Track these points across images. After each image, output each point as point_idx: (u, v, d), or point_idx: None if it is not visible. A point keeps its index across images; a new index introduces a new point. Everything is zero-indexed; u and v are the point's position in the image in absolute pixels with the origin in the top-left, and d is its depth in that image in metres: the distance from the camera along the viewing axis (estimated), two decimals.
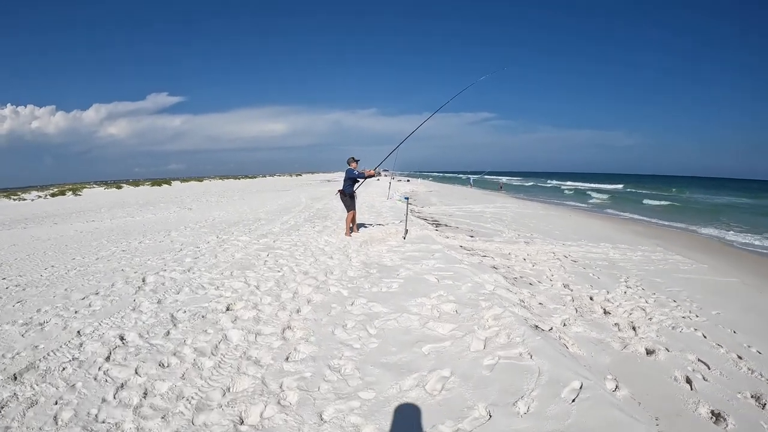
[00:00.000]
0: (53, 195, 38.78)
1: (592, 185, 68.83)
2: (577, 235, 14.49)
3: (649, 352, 5.27)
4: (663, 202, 35.63)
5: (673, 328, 6.04)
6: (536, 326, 5.58)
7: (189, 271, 8.08)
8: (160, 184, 55.39)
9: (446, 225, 16.00)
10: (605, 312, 6.59)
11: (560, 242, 12.63)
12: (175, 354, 4.69)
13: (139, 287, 7.08)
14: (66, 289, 7.07)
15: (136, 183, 58.17)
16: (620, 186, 69.75)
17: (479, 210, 22.69)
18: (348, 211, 11.94)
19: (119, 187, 49.24)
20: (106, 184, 58.40)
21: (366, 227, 13.29)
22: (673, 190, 59.44)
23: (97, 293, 6.80)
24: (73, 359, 4.56)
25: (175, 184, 59.05)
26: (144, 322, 5.55)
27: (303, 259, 9.04)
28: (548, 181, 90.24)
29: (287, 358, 4.64)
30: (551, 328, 5.72)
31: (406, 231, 11.69)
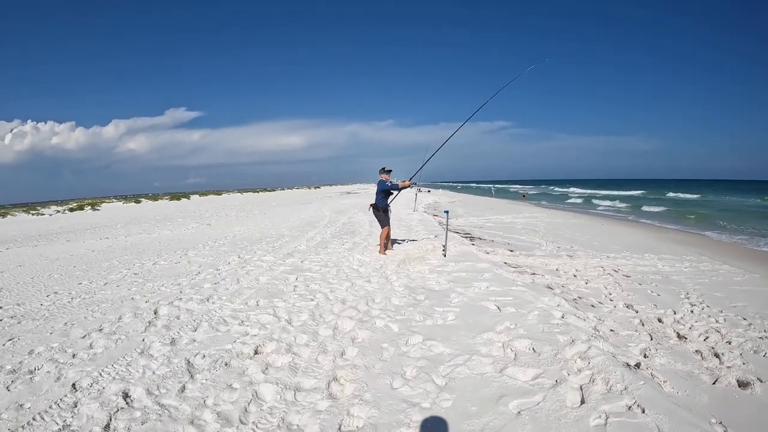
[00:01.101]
0: (71, 210, 38.41)
1: (613, 192, 67.78)
2: (618, 246, 13.70)
3: (741, 384, 4.56)
4: (689, 209, 34.33)
5: (755, 352, 5.28)
6: (628, 364, 4.55)
7: (208, 300, 7.02)
8: (178, 198, 55.03)
9: (480, 238, 14.94)
10: (679, 336, 5.86)
11: (604, 254, 11.78)
12: (192, 423, 3.59)
13: (149, 322, 6.03)
14: (66, 323, 6.11)
15: (154, 197, 57.87)
16: (641, 191, 69.15)
17: (509, 221, 21.66)
18: (382, 227, 10.88)
19: (138, 202, 48.93)
20: (125, 198, 58.24)
21: (399, 243, 12.20)
22: (697, 195, 57.29)
23: (100, 329, 5.80)
24: (63, 427, 3.51)
25: (194, 198, 58.71)
26: (154, 372, 4.48)
27: (337, 284, 7.95)
28: (570, 189, 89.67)
29: (340, 428, 3.53)
30: (638, 364, 4.76)
31: (445, 247, 10.51)
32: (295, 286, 7.81)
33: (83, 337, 5.52)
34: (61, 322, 6.15)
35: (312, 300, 6.92)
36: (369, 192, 65.92)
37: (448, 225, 10.94)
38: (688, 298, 7.46)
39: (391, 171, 10.81)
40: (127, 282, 8.53)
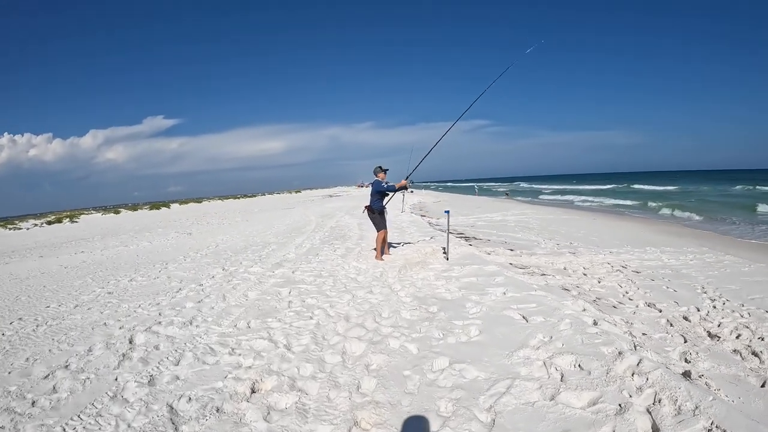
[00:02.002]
0: (49, 223, 37.13)
1: (593, 187, 68.92)
2: (617, 241, 13.43)
3: None
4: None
5: None
6: (685, 375, 4.06)
7: (191, 323, 6.12)
8: (158, 208, 53.74)
9: (475, 237, 14.28)
10: (711, 335, 5.48)
11: (606, 250, 11.39)
12: None
13: (124, 354, 5.12)
14: (28, 359, 5.19)
15: (134, 207, 56.46)
16: (615, 185, 70.72)
17: (500, 219, 21.14)
18: (378, 231, 10.08)
19: (117, 212, 47.65)
20: (104, 209, 56.80)
21: (395, 247, 11.39)
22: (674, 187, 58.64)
23: (66, 366, 4.89)
24: None
25: (174, 206, 57.42)
26: (129, 425, 3.59)
27: (336, 297, 7.10)
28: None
29: None
30: (688, 372, 4.22)
31: (446, 250, 9.79)
32: (290, 301, 6.94)
33: (46, 377, 4.61)
34: (22, 357, 5.24)
35: (311, 318, 6.06)
36: (351, 195, 65.12)
37: (449, 226, 10.08)
38: (705, 293, 7.10)
39: (387, 170, 10.01)
40: (100, 303, 7.61)
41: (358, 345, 5.00)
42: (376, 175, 9.97)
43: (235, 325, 5.92)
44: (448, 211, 10.21)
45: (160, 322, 6.20)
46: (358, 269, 9.11)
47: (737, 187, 48.74)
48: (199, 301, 7.21)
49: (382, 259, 9.89)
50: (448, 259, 9.54)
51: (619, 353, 4.27)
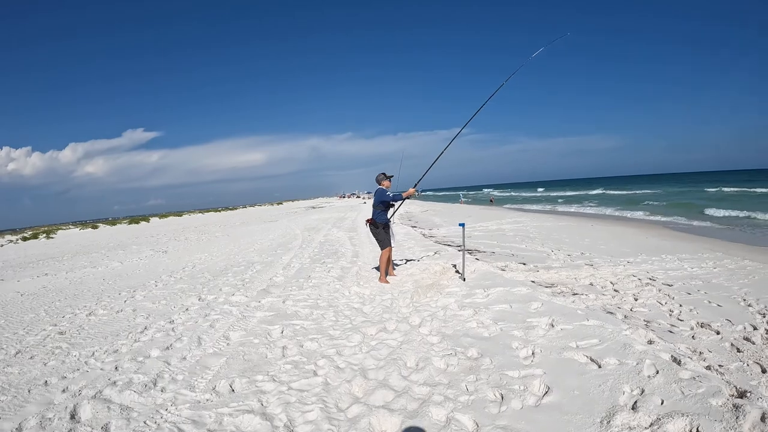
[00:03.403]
0: (25, 239, 35.00)
1: (576, 192, 71.25)
2: (628, 249, 12.62)
3: None
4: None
5: None
6: None
7: (155, 384, 4.53)
8: (137, 222, 51.78)
9: (477, 250, 13.02)
10: None
11: (623, 260, 10.63)
12: None
13: None
14: None
15: (112, 222, 54.30)
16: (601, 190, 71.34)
17: (495, 228, 19.93)
18: (381, 249, 8.60)
19: (95, 227, 45.64)
20: (83, 224, 54.68)
21: (398, 265, 9.93)
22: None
23: None
24: None
25: (154, 220, 55.52)
26: None
27: (343, 337, 5.60)
28: (538, 190, 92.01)
29: None
30: None
31: (462, 269, 8.42)
32: (284, 346, 5.38)
33: None
34: None
35: (315, 374, 4.53)
36: (334, 206, 63.63)
37: (465, 243, 8.61)
38: (750, 306, 6.56)
39: (392, 177, 8.56)
40: (46, 349, 5.98)
41: (390, 420, 3.54)
42: (380, 183, 8.53)
43: (214, 388, 4.35)
44: (463, 224, 8.70)
45: (115, 383, 4.61)
46: (361, 296, 7.61)
47: (715, 189, 49.33)
48: (167, 348, 5.62)
49: (387, 282, 8.43)
50: (464, 279, 8.11)
51: (735, 407, 3.36)
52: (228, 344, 5.61)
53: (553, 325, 5.43)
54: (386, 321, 6.08)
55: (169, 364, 5.03)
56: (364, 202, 67.28)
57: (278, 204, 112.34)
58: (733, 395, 3.59)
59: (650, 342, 4.80)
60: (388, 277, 8.63)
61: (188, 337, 5.98)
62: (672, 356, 4.30)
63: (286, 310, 6.97)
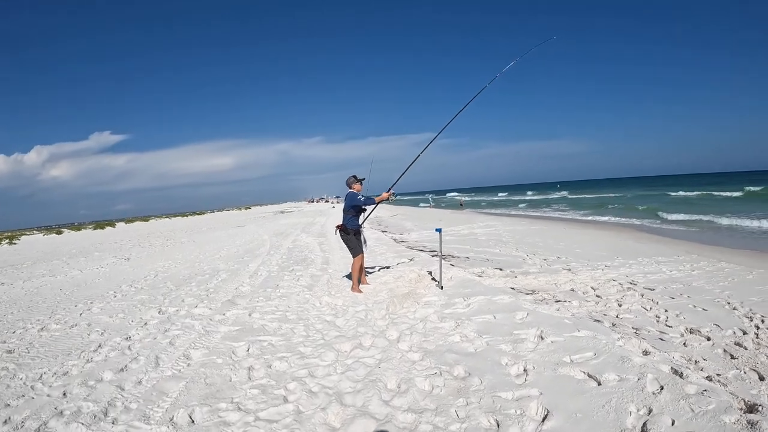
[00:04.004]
0: None
1: (545, 196, 71.80)
2: (605, 252, 12.52)
3: None
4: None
5: None
6: None
7: (106, 414, 3.97)
8: (103, 227, 50.17)
9: (451, 255, 12.61)
10: None
11: (600, 264, 10.55)
12: None
13: None
14: None
15: (77, 227, 52.54)
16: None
17: (468, 232, 19.63)
18: (354, 256, 8.10)
19: (59, 233, 44.12)
20: (48, 229, 52.82)
21: (370, 272, 9.42)
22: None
23: None
24: None
25: (120, 225, 54.00)
26: None
27: (315, 355, 5.08)
28: (498, 194, 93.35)
29: None
30: None
31: (440, 277, 7.96)
32: (250, 367, 4.84)
33: None
34: None
35: (286, 401, 4.02)
36: (303, 210, 62.86)
37: (442, 249, 8.16)
38: (735, 309, 6.49)
39: (363, 180, 8.08)
40: None
41: None
42: (350, 187, 8.04)
43: (171, 419, 3.81)
44: (439, 230, 8.25)
45: (61, 413, 4.04)
46: (333, 307, 7.10)
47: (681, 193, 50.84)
48: (121, 369, 5.03)
49: (360, 291, 7.94)
50: (442, 288, 7.68)
51: (749, 423, 3.19)
52: (188, 365, 5.04)
53: (542, 338, 5.08)
54: (361, 336, 5.59)
55: (122, 390, 4.46)
56: (333, 207, 66.88)
57: (247, 208, 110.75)
58: (742, 409, 3.40)
59: (646, 353, 4.57)
60: (361, 285, 8.14)
61: (145, 356, 5.39)
62: (672, 368, 4.06)
63: (253, 324, 6.41)
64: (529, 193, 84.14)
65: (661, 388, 3.71)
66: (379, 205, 8.15)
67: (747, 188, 45.84)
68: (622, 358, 4.28)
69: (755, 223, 19.24)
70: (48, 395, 4.48)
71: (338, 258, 12.33)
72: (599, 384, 3.91)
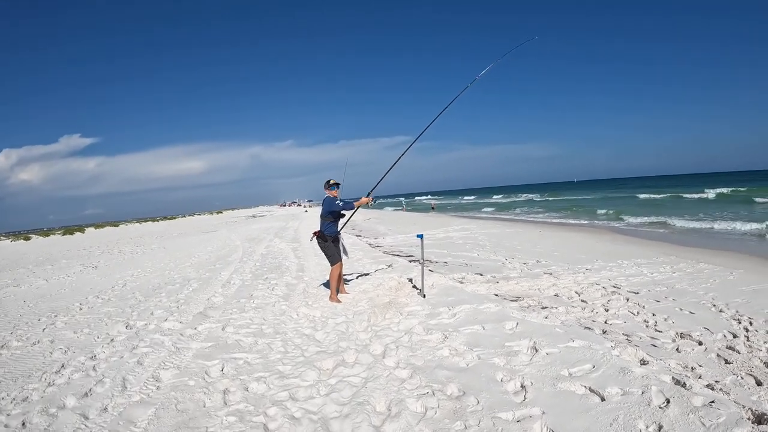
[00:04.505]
0: None
1: (515, 198, 74.31)
2: (583, 255, 12.40)
3: None
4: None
5: None
6: None
7: None
8: (72, 233, 48.85)
9: (429, 260, 12.24)
10: None
11: (581, 267, 10.42)
12: None
13: None
14: None
15: (46, 233, 50.99)
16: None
17: (443, 236, 19.41)
18: (332, 264, 7.72)
19: (27, 239, 42.74)
20: (15, 235, 51.19)
21: (348, 281, 9.06)
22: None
23: None
24: None
25: (89, 231, 52.58)
26: None
27: (295, 375, 4.70)
28: (464, 198, 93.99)
29: None
30: None
31: (422, 285, 7.62)
32: (225, 390, 4.43)
33: None
34: None
35: (266, 429, 3.66)
36: (275, 215, 62.08)
37: (424, 256, 7.83)
38: (722, 312, 6.44)
39: (339, 185, 7.72)
40: None
41: None
42: (327, 192, 7.66)
43: None
44: (421, 236, 7.92)
45: None
46: (311, 319, 6.73)
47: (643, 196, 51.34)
48: (86, 394, 4.59)
49: (339, 301, 7.58)
50: (425, 296, 7.37)
51: None
52: (158, 388, 4.62)
53: (536, 349, 4.82)
54: (344, 351, 5.23)
55: (86, 419, 4.04)
56: (306, 211, 66.58)
57: (218, 213, 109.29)
58: (751, 419, 3.31)
59: (643, 362, 4.40)
60: (339, 295, 7.79)
61: (111, 378, 4.95)
62: (674, 378, 3.90)
63: (227, 340, 5.99)
64: (496, 196, 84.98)
65: (668, 401, 3.52)
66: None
67: (715, 190, 46.96)
68: (622, 370, 4.06)
69: (726, 225, 19.43)
70: (5, 426, 4.06)
71: (313, 265, 11.94)
72: (603, 399, 3.68)
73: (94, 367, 5.36)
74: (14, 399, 4.59)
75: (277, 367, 4.91)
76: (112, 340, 6.43)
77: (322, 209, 7.70)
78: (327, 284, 8.47)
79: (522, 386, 4.05)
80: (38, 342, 6.69)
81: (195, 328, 6.61)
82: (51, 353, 6.10)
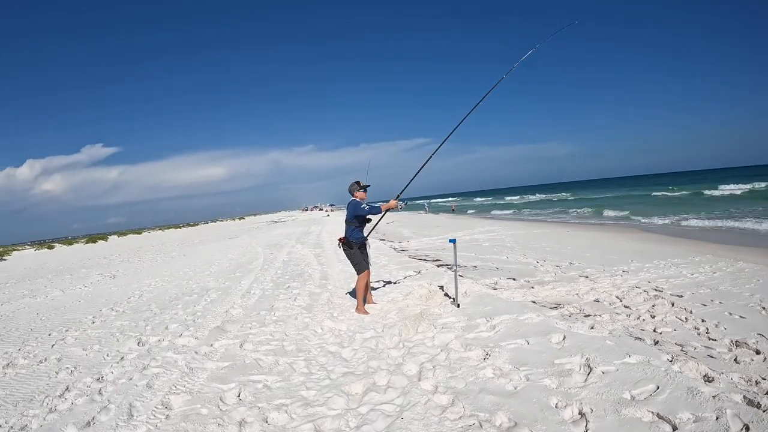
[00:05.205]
0: None
1: (535, 197, 74.61)
2: (616, 256, 11.83)
3: None
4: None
5: None
6: None
7: None
8: (95, 241, 49.28)
9: (458, 265, 11.50)
10: None
11: (617, 269, 9.83)
12: None
13: None
14: None
15: (69, 242, 51.46)
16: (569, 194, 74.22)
17: (469, 238, 18.87)
18: (358, 273, 7.16)
19: (51, 247, 43.18)
20: (40, 244, 51.81)
21: (375, 289, 8.52)
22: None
23: None
24: None
25: (112, 239, 53.01)
26: None
27: (321, 403, 4.13)
28: (483, 199, 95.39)
29: None
30: None
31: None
32: (242, 422, 3.88)
33: None
34: None
35: None
36: (297, 220, 61.92)
37: (457, 264, 7.26)
38: None
39: (369, 186, 7.18)
40: None
41: None
42: (353, 194, 7.13)
43: None
44: (453, 240, 7.35)
45: None
46: (338, 334, 6.17)
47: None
48: (88, 423, 4.11)
49: (366, 312, 7.02)
50: (459, 306, 6.80)
51: None
52: (167, 417, 4.10)
53: (590, 367, 4.22)
54: (374, 372, 4.67)
55: None
56: (327, 215, 66.46)
57: (240, 219, 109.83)
58: None
59: (707, 379, 3.89)
60: (366, 305, 7.23)
61: (117, 404, 4.46)
62: (745, 397, 3.44)
63: (245, 359, 5.44)
64: (513, 197, 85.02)
65: (747, 427, 3.04)
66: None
67: (740, 186, 45.86)
68: (689, 390, 3.53)
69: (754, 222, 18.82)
70: None
71: (337, 272, 11.41)
72: (675, 428, 3.15)
73: (100, 390, 4.88)
74: (12, 427, 4.15)
75: (301, 392, 4.36)
76: (122, 358, 5.96)
77: (347, 214, 7.16)
78: (352, 293, 7.95)
79: (581, 413, 3.50)
80: (45, 360, 6.27)
81: (211, 345, 6.10)
82: (57, 373, 5.66)
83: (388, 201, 7.25)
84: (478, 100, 7.81)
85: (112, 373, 5.42)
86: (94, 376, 5.34)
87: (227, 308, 8.32)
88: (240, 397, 4.36)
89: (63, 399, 4.74)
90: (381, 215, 7.16)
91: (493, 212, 48.36)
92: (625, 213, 29.42)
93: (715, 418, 3.17)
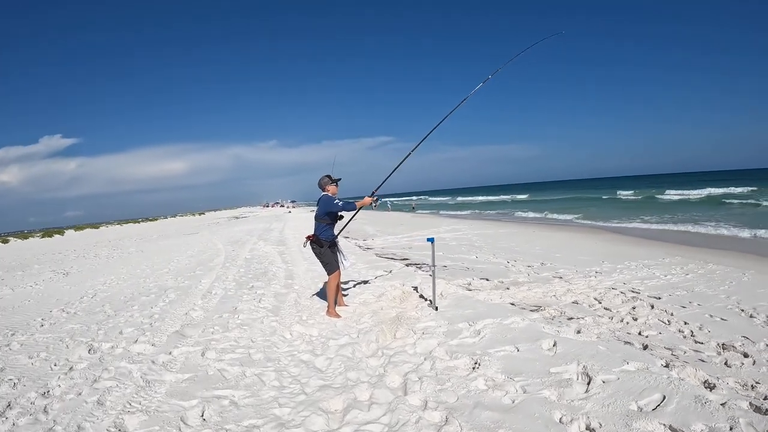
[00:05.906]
0: None
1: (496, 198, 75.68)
2: (587, 257, 11.83)
3: None
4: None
5: None
6: None
7: None
8: (51, 235, 47.21)
9: (425, 264, 11.39)
10: None
11: (590, 270, 9.88)
12: None
13: None
14: None
15: (25, 235, 49.25)
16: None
17: (435, 237, 18.13)
18: (329, 273, 6.67)
19: (5, 241, 41.25)
20: None
21: (345, 290, 8.05)
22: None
23: None
24: None
25: (69, 233, 50.95)
26: None
27: (297, 423, 3.62)
28: (445, 198, 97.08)
29: None
30: None
31: (432, 297, 6.66)
32: None
33: None
34: None
35: None
36: (258, 216, 60.77)
37: (434, 263, 6.85)
38: (753, 318, 6.05)
39: (339, 180, 6.70)
40: None
41: None
42: (324, 189, 6.63)
43: None
44: (432, 239, 6.95)
45: None
46: (309, 340, 5.68)
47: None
48: None
49: (338, 315, 6.55)
50: (437, 309, 6.39)
51: None
52: None
53: (588, 376, 3.92)
54: (354, 385, 4.20)
55: None
56: (289, 211, 65.78)
57: (201, 214, 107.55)
58: None
59: (708, 385, 3.72)
60: (338, 308, 6.76)
61: (64, 425, 3.88)
62: (751, 404, 3.32)
63: (207, 369, 4.89)
64: (479, 196, 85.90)
65: None
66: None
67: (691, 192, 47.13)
68: (697, 399, 3.33)
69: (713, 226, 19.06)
70: None
71: (303, 271, 10.90)
72: None
73: (45, 408, 4.28)
74: None
75: (273, 410, 3.84)
76: (70, 368, 5.33)
77: (318, 210, 6.66)
78: (321, 294, 7.49)
79: (589, 428, 3.18)
80: None
81: (170, 353, 5.51)
82: None
83: (362, 198, 6.76)
84: (451, 108, 7.52)
85: (60, 386, 4.80)
86: (39, 391, 4.71)
87: (187, 310, 7.68)
88: (204, 417, 3.82)
89: (4, 419, 4.13)
90: (354, 213, 6.68)
91: (457, 211, 49.05)
92: (590, 213, 30.19)
93: (729, 428, 2.99)
